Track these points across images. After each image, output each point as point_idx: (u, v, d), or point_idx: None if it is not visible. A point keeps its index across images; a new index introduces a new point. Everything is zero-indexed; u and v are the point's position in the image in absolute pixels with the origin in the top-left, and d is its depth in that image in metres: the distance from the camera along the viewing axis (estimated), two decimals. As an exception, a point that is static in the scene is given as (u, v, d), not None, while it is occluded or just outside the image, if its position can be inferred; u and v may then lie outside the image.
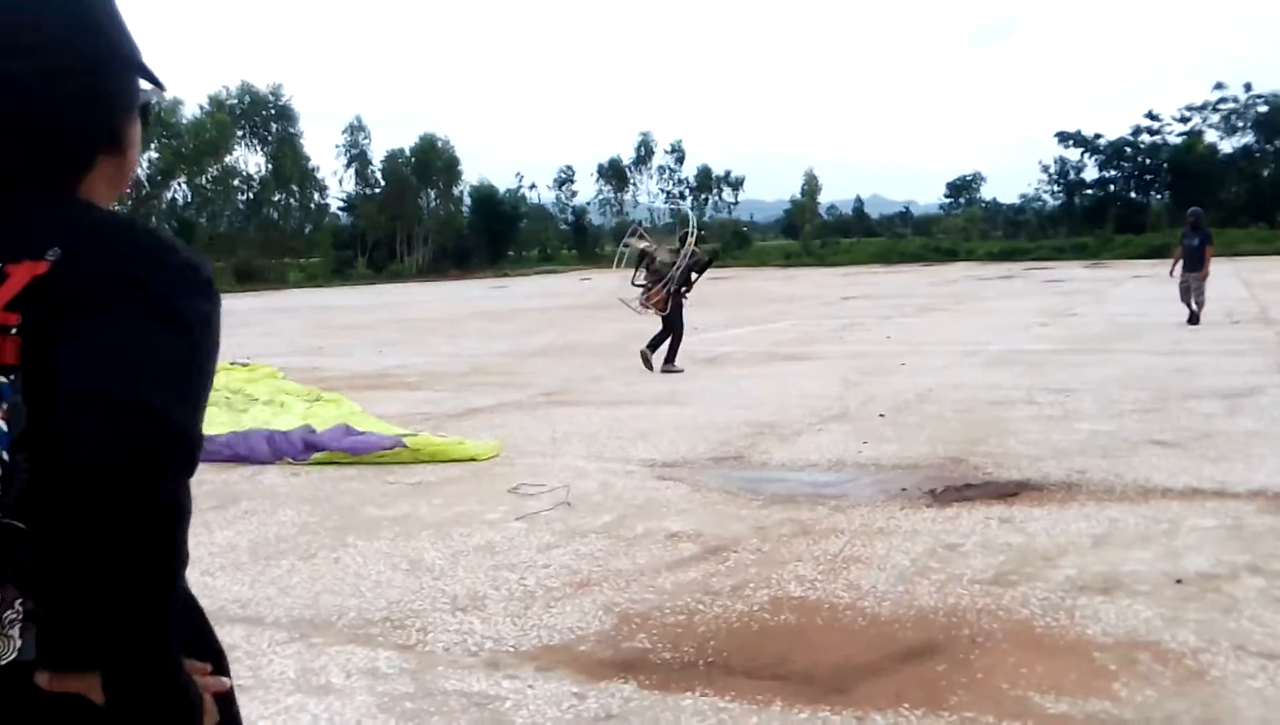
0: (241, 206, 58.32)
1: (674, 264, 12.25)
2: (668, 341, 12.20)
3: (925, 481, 6.40)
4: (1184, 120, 69.50)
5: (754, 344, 15.48)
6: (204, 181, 54.68)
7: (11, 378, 1.08)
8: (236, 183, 57.21)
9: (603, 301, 28.86)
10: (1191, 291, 15.69)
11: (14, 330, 1.08)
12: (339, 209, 65.69)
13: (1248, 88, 67.72)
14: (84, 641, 1.06)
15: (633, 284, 12.83)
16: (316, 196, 62.10)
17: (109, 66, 1.23)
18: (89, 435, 1.01)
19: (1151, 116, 70.49)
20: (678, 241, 12.86)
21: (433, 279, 53.69)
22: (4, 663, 1.12)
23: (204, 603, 1.36)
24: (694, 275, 12.56)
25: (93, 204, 1.21)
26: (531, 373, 12.59)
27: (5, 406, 1.08)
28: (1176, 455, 6.88)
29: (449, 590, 4.64)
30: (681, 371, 11.97)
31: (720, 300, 28.03)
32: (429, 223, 64.39)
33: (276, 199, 59.08)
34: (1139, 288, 27.49)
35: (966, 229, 73.16)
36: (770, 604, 4.35)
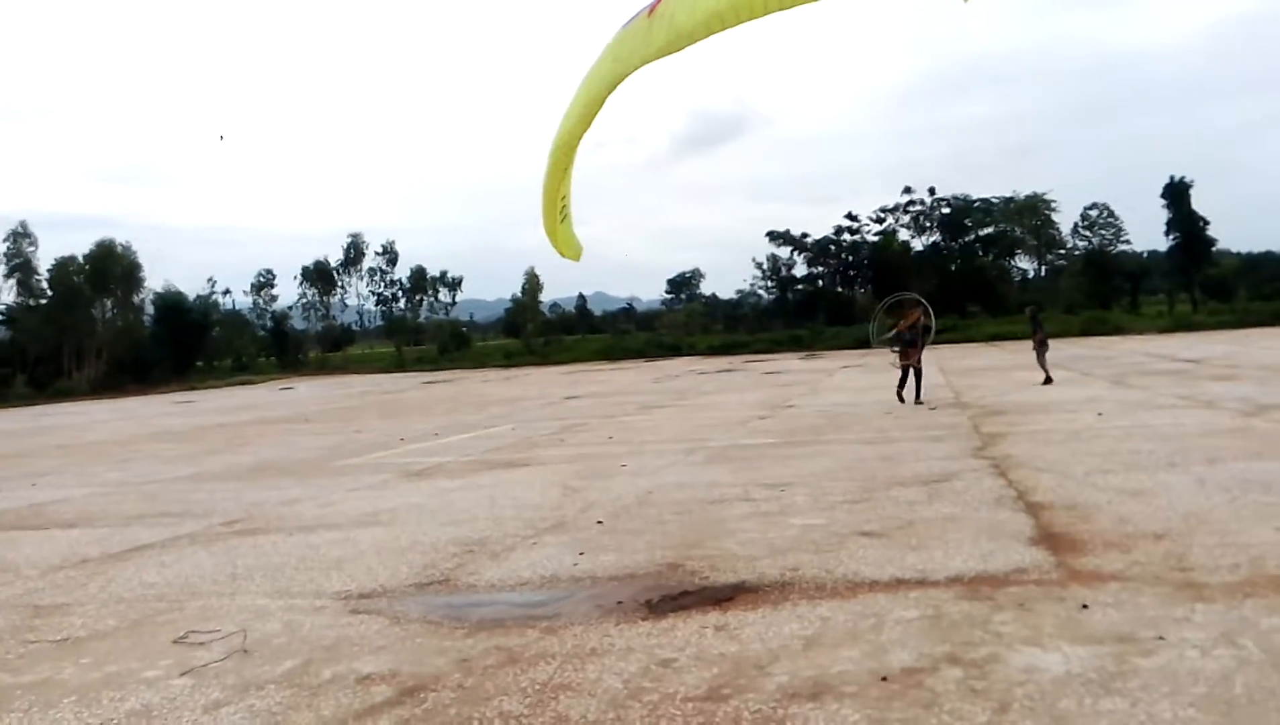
0: None
1: (914, 328, 18.49)
2: (916, 383, 18.37)
3: (642, 592, 6.16)
4: (879, 221, 76.22)
5: (469, 452, 15.00)
6: None
7: None
8: None
9: (303, 413, 27.37)
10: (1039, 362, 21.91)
11: None
12: (-5, 323, 60.31)
13: (932, 191, 75.33)
14: None
15: (890, 349, 19.52)
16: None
17: None
18: None
19: (851, 217, 76.84)
20: (920, 314, 18.88)
21: (107, 396, 49.89)
22: None
23: None
24: (925, 337, 18.90)
25: None
26: (213, 499, 11.50)
27: None
28: (882, 545, 6.99)
29: (87, 773, 3.90)
30: (922, 404, 17.90)
31: (435, 406, 27.35)
32: (104, 335, 60.00)
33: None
34: (849, 377, 29.18)
35: (688, 324, 76.02)
36: (469, 751, 3.91)
